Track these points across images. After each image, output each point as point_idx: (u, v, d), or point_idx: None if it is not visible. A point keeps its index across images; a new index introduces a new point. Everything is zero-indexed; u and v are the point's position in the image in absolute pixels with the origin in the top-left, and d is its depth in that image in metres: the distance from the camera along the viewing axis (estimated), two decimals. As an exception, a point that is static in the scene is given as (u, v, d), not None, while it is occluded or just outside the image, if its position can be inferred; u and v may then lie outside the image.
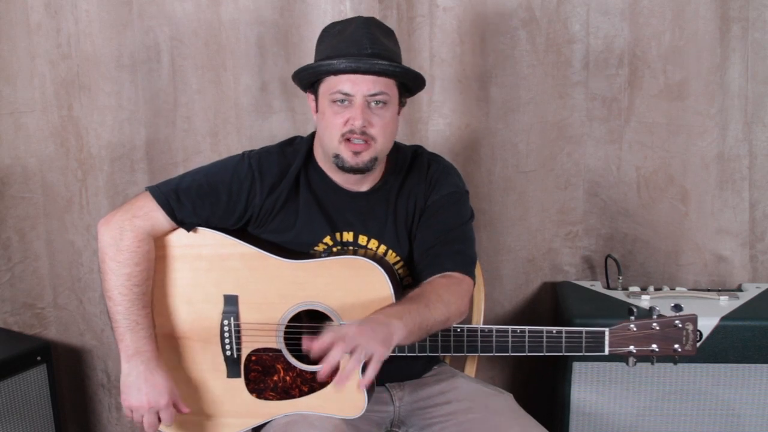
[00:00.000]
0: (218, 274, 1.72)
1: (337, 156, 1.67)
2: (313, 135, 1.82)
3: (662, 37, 2.27)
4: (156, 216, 1.70)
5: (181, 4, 2.25)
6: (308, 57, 2.19)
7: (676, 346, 1.62)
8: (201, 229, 1.73)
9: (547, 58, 2.30)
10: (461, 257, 1.73)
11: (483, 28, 2.27)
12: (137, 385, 1.64)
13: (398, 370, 1.81)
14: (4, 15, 2.24)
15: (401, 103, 1.74)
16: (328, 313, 1.67)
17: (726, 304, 2.12)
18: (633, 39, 2.29)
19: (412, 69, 1.70)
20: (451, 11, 2.25)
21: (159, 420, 1.67)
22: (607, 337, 1.63)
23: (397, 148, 1.79)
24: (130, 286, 1.65)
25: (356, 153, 1.65)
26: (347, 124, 1.64)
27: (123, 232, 1.67)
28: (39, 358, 2.18)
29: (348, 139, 1.65)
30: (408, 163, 1.82)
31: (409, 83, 1.72)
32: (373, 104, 1.65)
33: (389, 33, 1.73)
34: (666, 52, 2.27)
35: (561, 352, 1.63)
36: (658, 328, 1.62)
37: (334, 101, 1.65)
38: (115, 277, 1.66)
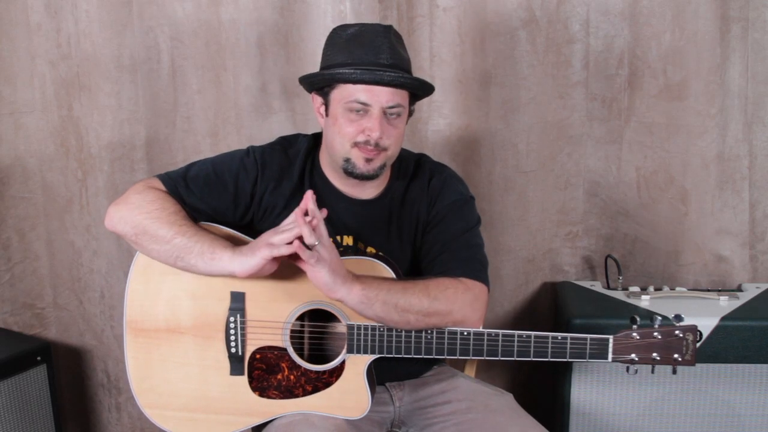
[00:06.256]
0: None
1: (347, 160, 1.66)
2: (315, 136, 1.81)
3: (662, 38, 2.27)
4: None
5: (181, 4, 2.25)
6: (308, 57, 2.21)
7: (676, 355, 1.64)
8: (209, 225, 1.72)
9: (547, 58, 2.30)
10: (470, 263, 1.71)
11: (483, 28, 2.27)
12: (242, 259, 1.57)
13: (398, 370, 1.81)
14: (4, 15, 2.24)
15: (410, 112, 1.73)
16: (335, 313, 1.66)
17: (726, 304, 2.12)
18: (633, 39, 2.29)
19: (427, 81, 1.69)
20: (451, 11, 2.25)
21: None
22: (611, 345, 1.63)
23: (400, 157, 1.76)
24: (183, 215, 1.65)
25: (368, 160, 1.65)
26: (363, 134, 1.63)
27: (145, 191, 1.66)
28: (39, 358, 2.18)
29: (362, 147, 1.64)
30: (411, 172, 1.80)
31: (422, 93, 1.72)
32: (389, 115, 1.64)
33: (401, 40, 1.72)
34: (666, 53, 2.27)
35: (565, 357, 1.64)
36: (659, 337, 1.63)
37: (350, 110, 1.63)
38: (165, 215, 1.62)
